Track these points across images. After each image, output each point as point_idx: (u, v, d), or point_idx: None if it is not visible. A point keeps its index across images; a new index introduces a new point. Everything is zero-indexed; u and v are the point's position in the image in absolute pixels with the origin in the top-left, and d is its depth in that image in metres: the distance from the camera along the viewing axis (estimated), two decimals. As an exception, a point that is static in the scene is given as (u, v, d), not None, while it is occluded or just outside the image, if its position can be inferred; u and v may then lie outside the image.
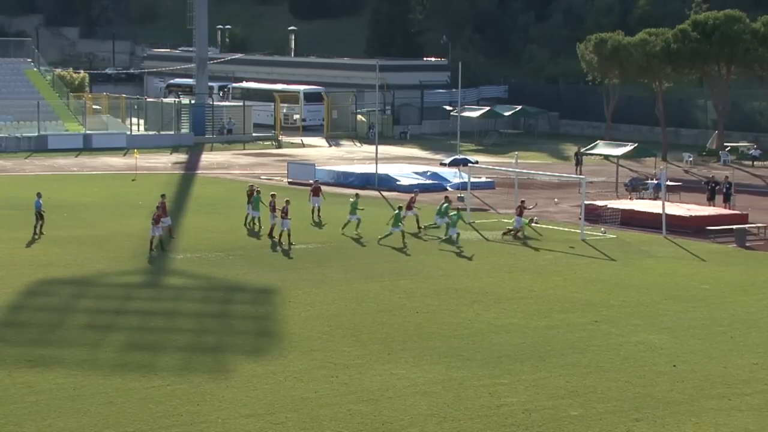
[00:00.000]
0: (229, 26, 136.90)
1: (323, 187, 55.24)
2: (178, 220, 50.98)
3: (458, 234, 47.47)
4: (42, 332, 33.49)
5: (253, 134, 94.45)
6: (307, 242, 46.48)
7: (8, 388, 27.97)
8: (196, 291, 39.76)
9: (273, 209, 47.63)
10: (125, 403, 26.97)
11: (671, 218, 51.19)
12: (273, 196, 48.96)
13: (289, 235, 46.14)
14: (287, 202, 46.64)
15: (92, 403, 26.97)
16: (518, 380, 29.01)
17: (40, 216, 48.11)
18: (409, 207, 49.39)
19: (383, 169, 67.64)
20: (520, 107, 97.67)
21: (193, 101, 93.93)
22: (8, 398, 27.23)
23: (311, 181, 54.23)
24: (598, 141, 72.45)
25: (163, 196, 47.68)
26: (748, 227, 50.84)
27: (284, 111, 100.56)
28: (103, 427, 25.37)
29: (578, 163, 70.96)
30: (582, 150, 69.84)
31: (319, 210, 52.51)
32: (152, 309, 36.88)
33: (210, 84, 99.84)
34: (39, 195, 48.83)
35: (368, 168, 68.61)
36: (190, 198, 59.45)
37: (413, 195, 51.53)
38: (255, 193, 49.61)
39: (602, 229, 51.18)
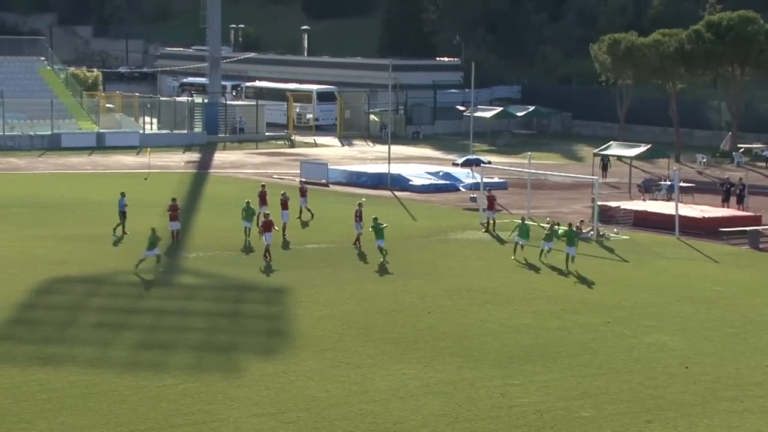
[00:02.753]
0: (242, 25, 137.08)
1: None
2: (191, 219, 51.06)
3: (574, 256, 43.08)
4: (54, 330, 33.57)
5: (266, 133, 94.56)
6: (319, 242, 46.48)
7: (21, 385, 28.05)
8: (208, 290, 39.81)
9: (284, 206, 48.11)
10: (137, 401, 27.03)
11: (684, 219, 51.07)
12: (283, 194, 49.19)
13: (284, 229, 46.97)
14: (284, 194, 47.57)
15: (104, 401, 27.03)
16: (530, 381, 28.99)
17: (123, 215, 47.97)
18: (357, 218, 46.36)
19: (396, 169, 67.64)
20: (533, 108, 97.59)
21: (206, 100, 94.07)
22: (21, 396, 27.31)
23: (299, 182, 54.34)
24: (611, 142, 72.32)
25: (173, 199, 47.61)
26: (762, 229, 50.69)
27: (297, 110, 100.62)
28: (115, 426, 25.42)
29: (604, 168, 70.04)
30: (596, 152, 69.63)
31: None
32: (164, 308, 36.94)
33: (223, 83, 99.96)
34: (123, 194, 48.99)
35: (381, 168, 68.61)
36: (203, 197, 59.53)
37: (358, 208, 46.70)
38: (246, 204, 47.02)
39: (615, 229, 51.11)
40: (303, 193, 53.47)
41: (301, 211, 52.58)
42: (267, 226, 43.56)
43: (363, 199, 50.33)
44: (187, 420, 25.78)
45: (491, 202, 51.24)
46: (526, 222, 45.59)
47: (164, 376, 28.95)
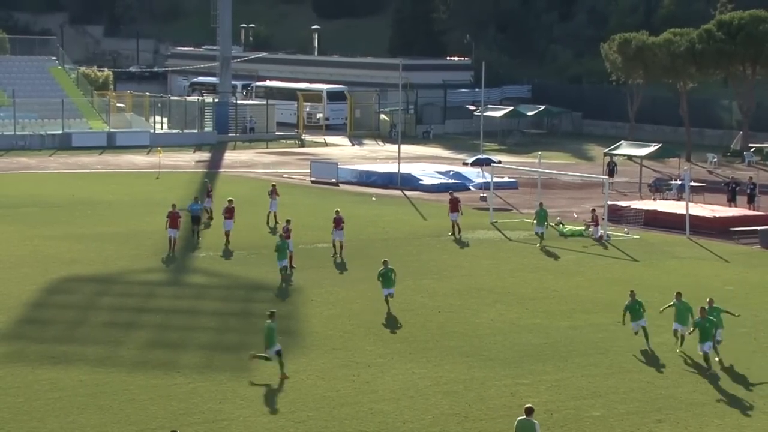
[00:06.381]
0: (252, 25, 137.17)
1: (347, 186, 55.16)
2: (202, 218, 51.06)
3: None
4: (65, 329, 33.65)
5: (276, 133, 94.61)
6: (328, 241, 46.45)
7: (32, 384, 28.12)
8: (218, 289, 39.86)
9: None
10: (147, 400, 27.07)
11: (695, 219, 50.98)
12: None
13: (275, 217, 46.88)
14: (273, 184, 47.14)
15: (114, 400, 27.08)
16: (540, 380, 28.97)
17: (197, 220, 47.70)
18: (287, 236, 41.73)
19: (406, 168, 67.62)
20: (543, 107, 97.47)
21: (216, 100, 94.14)
22: (32, 394, 27.38)
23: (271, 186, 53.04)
24: (622, 141, 72.22)
25: (230, 200, 47.12)
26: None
27: (307, 110, 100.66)
28: (125, 424, 25.47)
29: (611, 174, 67.97)
30: (606, 151, 69.48)
31: (275, 215, 50.80)
32: (174, 307, 36.99)
33: (233, 82, 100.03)
34: (196, 199, 49.03)
35: (391, 167, 68.60)
36: (213, 196, 59.58)
37: (285, 227, 42.80)
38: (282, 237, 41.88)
39: (625, 229, 51.06)
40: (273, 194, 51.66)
41: (268, 216, 51.18)
42: (338, 223, 43.94)
43: (374, 198, 50.29)
44: (197, 419, 25.82)
45: (455, 204, 49.11)
46: (543, 208, 47.62)
47: (174, 375, 29.00)
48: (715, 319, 30.65)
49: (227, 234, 46.07)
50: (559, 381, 28.98)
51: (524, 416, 22.29)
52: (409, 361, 30.52)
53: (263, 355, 29.03)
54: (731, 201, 57.36)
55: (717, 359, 30.39)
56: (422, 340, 32.61)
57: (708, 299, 31.39)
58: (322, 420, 25.98)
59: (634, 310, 32.07)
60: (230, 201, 47.11)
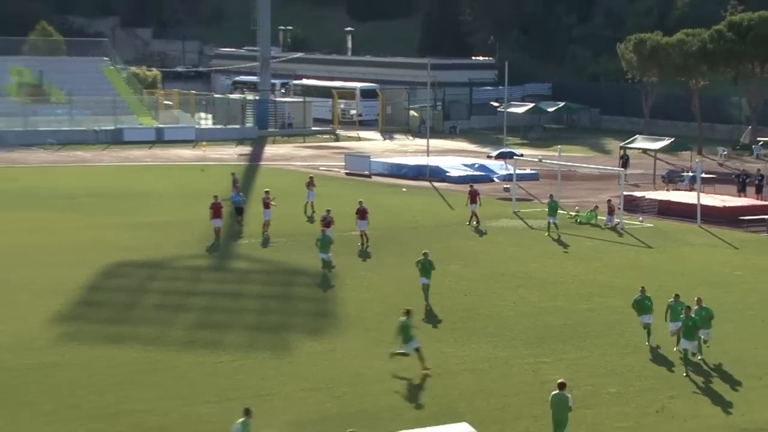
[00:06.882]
0: (290, 27, 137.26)
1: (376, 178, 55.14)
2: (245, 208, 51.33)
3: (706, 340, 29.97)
4: (119, 311, 33.99)
5: (313, 128, 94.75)
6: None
7: (90, 361, 28.47)
8: (259, 274, 40.10)
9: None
10: (196, 377, 27.35)
11: (706, 208, 50.81)
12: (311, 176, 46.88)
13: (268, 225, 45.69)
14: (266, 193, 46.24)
15: (165, 376, 27.37)
16: (560, 359, 29.06)
17: (239, 210, 47.78)
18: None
19: (434, 161, 67.67)
20: (563, 104, 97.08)
21: (257, 97, 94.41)
22: (90, 370, 27.72)
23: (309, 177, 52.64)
24: (637, 135, 71.94)
25: (215, 197, 45.87)
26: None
27: (342, 106, 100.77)
28: (176, 398, 25.76)
29: (624, 165, 67.91)
30: (622, 145, 69.28)
31: (312, 204, 50.82)
32: (219, 290, 37.25)
33: (272, 81, 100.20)
34: (238, 191, 49.34)
35: (420, 160, 68.67)
36: (255, 187, 59.82)
37: (324, 216, 42.87)
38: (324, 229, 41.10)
39: (640, 218, 50.98)
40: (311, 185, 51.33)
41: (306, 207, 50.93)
42: (362, 214, 43.50)
43: (404, 189, 50.33)
44: (242, 394, 26.06)
45: (474, 196, 48.89)
46: (554, 199, 47.42)
47: (220, 354, 29.27)
48: (698, 318, 28.41)
49: (266, 223, 45.98)
50: (578, 360, 29.06)
51: (558, 391, 22.73)
52: (438, 341, 30.66)
53: (401, 351, 27.83)
54: (741, 191, 57.11)
55: (699, 358, 28.80)
56: (450, 321, 32.74)
57: (696, 298, 29.66)
58: (358, 396, 26.17)
59: (643, 305, 30.51)
60: (267, 192, 47.15)
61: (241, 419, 21.10)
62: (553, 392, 22.88)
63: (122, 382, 26.85)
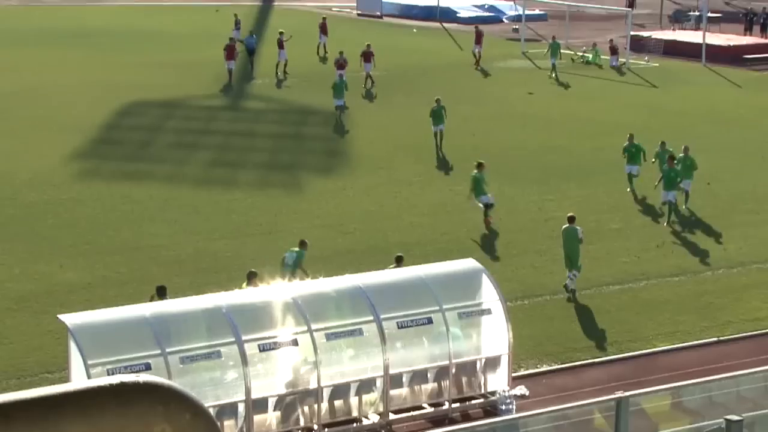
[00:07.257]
0: None
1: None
2: (257, 50, 50.68)
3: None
4: (135, 149, 33.90)
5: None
6: (374, 70, 46.01)
7: (108, 197, 28.49)
8: (272, 113, 39.82)
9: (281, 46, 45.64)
10: (210, 213, 27.37)
11: (711, 47, 50.00)
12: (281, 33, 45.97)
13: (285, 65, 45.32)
14: (281, 33, 45.51)
15: (180, 212, 27.41)
16: (565, 197, 28.98)
17: (252, 51, 46.85)
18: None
19: (444, 1, 66.43)
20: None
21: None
22: (108, 206, 27.76)
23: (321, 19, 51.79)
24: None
25: (231, 39, 45.81)
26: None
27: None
28: (191, 234, 25.83)
29: (632, 5, 66.17)
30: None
31: (325, 45, 50.45)
32: (233, 129, 37.06)
33: None
34: (251, 33, 48.61)
35: (431, 1, 67.41)
36: (267, 28, 58.90)
37: (338, 59, 42.25)
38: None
39: (646, 57, 50.22)
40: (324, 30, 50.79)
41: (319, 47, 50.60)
42: (367, 57, 42.92)
43: (414, 30, 49.56)
44: (255, 230, 26.12)
45: (479, 36, 48.11)
46: (556, 41, 46.76)
47: (234, 191, 29.24)
48: (680, 167, 27.19)
49: (283, 64, 45.34)
50: (582, 197, 28.97)
51: (567, 224, 22.89)
52: (447, 178, 30.55)
53: (488, 203, 26.45)
54: (747, 30, 56.09)
55: (684, 207, 27.84)
56: (458, 160, 32.53)
57: (684, 146, 28.42)
58: (368, 232, 26.20)
59: (632, 153, 29.20)
60: (281, 33, 46.37)
61: (295, 248, 21.08)
62: (564, 226, 22.99)
63: (139, 218, 26.89)
